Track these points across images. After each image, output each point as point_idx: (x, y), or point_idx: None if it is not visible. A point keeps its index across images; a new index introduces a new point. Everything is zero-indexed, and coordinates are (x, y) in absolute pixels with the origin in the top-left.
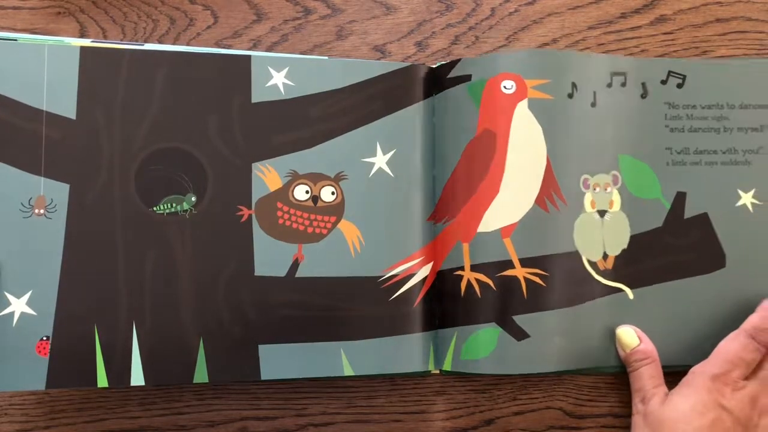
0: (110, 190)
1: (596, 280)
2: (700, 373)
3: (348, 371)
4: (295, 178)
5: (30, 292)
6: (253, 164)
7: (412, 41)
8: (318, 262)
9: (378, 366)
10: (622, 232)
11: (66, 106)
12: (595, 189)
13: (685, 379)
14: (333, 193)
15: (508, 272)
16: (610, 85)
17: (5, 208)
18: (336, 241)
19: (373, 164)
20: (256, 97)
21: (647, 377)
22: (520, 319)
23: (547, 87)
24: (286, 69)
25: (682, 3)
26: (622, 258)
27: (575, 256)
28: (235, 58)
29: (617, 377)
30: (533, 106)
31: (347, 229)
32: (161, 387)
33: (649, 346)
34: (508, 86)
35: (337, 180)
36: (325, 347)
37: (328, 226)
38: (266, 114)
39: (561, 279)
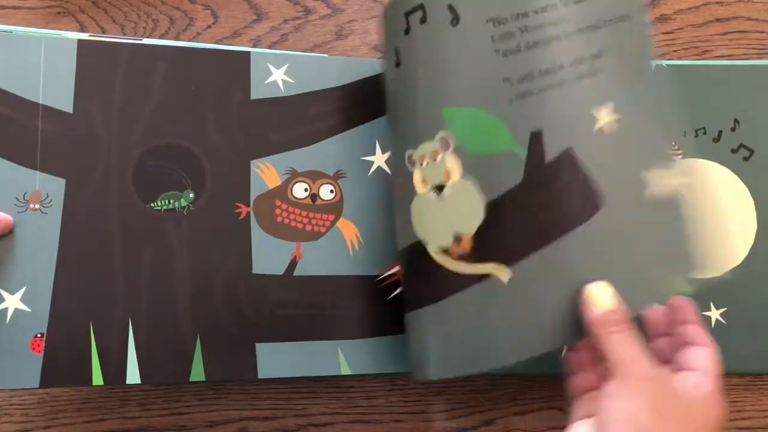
0: (107, 185)
1: (452, 269)
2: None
3: (345, 370)
4: (293, 176)
5: (24, 288)
6: (251, 161)
7: None
8: (316, 261)
9: (376, 365)
10: (470, 204)
11: (63, 100)
12: (422, 163)
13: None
14: (332, 192)
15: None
16: (407, 32)
17: (0, 202)
18: (334, 240)
19: (372, 163)
20: (255, 93)
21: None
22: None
23: None
24: (286, 66)
25: (682, 3)
26: (482, 234)
27: (420, 246)
28: (235, 54)
29: None
30: None
31: (346, 227)
32: (161, 387)
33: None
34: None
35: (336, 178)
36: (322, 346)
37: (327, 224)
38: (265, 111)
39: (412, 275)
